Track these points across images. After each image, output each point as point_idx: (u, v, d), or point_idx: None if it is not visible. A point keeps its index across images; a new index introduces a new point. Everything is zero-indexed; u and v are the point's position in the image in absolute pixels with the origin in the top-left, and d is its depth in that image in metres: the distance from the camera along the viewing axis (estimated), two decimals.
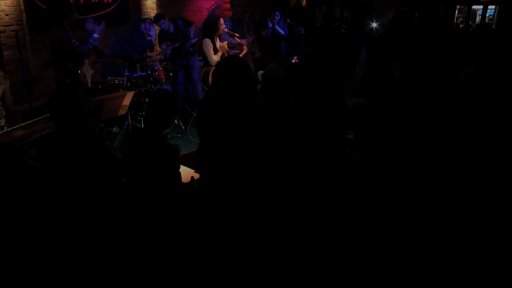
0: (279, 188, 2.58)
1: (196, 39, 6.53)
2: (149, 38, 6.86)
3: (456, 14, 14.69)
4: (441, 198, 3.03)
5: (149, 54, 7.53)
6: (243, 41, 6.27)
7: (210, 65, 5.62)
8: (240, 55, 6.05)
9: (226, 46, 5.76)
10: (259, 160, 2.47)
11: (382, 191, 2.97)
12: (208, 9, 6.28)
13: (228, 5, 8.92)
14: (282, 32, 7.37)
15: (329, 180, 2.75)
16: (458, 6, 14.62)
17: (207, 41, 5.57)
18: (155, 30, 7.01)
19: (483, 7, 14.19)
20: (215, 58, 5.55)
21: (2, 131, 3.85)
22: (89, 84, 5.17)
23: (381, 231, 2.83)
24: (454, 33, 10.61)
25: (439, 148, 3.28)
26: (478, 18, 14.79)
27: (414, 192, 3.01)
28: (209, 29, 5.63)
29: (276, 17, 7.25)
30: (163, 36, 6.87)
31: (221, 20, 5.80)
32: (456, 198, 3.04)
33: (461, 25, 13.83)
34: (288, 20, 7.92)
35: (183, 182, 3.02)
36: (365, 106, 3.31)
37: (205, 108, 2.63)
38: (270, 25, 7.16)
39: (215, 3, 6.44)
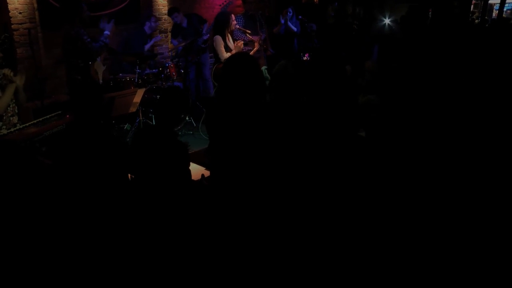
0: (289, 187, 2.55)
1: (208, 35, 6.52)
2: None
3: (471, 9, 14.45)
4: (452, 194, 2.98)
5: (160, 51, 7.54)
6: (256, 38, 6.23)
7: (222, 62, 5.59)
8: (251, 52, 6.01)
9: (241, 45, 5.72)
10: (269, 158, 2.44)
11: (393, 189, 2.92)
12: (220, 5, 6.26)
13: (239, 2, 8.89)
14: (295, 29, 7.32)
15: (341, 177, 2.72)
16: (473, 1, 14.38)
17: (218, 38, 5.54)
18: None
19: (501, 1, 13.92)
20: (226, 55, 5.52)
21: (15, 128, 3.87)
22: (100, 81, 5.19)
23: (394, 231, 2.79)
24: (469, 28, 10.44)
25: (450, 145, 3.23)
26: (495, 13, 14.52)
27: (425, 191, 2.96)
28: (220, 26, 5.59)
29: (288, 13, 7.20)
30: (176, 30, 6.86)
31: (233, 16, 5.76)
32: (465, 195, 2.99)
33: (476, 21, 13.59)
34: (300, 17, 7.87)
35: (193, 180, 3.01)
36: (376, 103, 3.26)
37: (215, 107, 2.61)
38: (283, 21, 7.11)
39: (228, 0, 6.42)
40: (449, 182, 3.03)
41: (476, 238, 2.79)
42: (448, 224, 2.87)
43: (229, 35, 5.73)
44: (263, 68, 6.11)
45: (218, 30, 5.60)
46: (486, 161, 3.25)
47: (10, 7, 5.51)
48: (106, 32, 5.02)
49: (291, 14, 7.23)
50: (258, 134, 2.42)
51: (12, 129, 3.86)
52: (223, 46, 5.54)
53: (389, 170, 3.00)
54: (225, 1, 6.25)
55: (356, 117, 2.99)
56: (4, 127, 3.91)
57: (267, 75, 6.04)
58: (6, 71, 3.90)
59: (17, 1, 5.58)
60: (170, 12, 6.79)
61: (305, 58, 7.60)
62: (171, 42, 7.05)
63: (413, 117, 3.25)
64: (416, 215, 2.87)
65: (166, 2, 7.58)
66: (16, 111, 4.11)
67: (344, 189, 2.72)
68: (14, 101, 4.05)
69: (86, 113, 2.78)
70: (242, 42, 5.79)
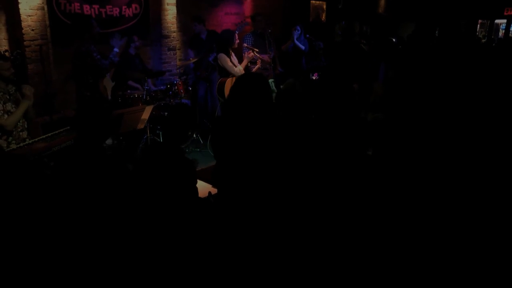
0: (296, 205, 2.55)
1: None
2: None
3: (478, 29, 14.51)
4: (459, 214, 2.96)
5: (168, 68, 7.62)
6: (264, 57, 6.29)
7: (225, 76, 5.66)
8: (254, 69, 6.07)
9: (252, 55, 5.80)
10: (276, 176, 2.44)
11: (399, 207, 2.90)
12: (236, 24, 6.35)
13: (248, 20, 9.01)
14: (302, 47, 7.36)
15: (348, 195, 2.70)
16: (480, 21, 14.45)
17: (223, 56, 5.63)
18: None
19: (507, 21, 13.97)
20: (237, 69, 5.60)
21: (24, 143, 3.91)
22: (109, 97, 5.24)
23: (401, 249, 2.76)
24: (476, 47, 10.46)
25: (457, 163, 3.22)
26: (501, 33, 14.56)
27: (432, 209, 2.94)
28: (223, 44, 5.70)
29: (296, 31, 7.26)
30: (195, 41, 6.92)
31: (236, 35, 5.85)
32: (473, 214, 2.98)
33: (483, 40, 13.64)
34: (308, 35, 7.94)
35: (200, 197, 3.01)
36: (384, 122, 3.26)
37: (222, 126, 2.62)
38: (295, 36, 7.19)
39: (243, 20, 6.51)
40: (456, 200, 3.02)
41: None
42: (458, 241, 2.84)
43: (232, 52, 5.82)
44: (270, 80, 6.17)
45: (221, 48, 5.70)
46: (493, 182, 3.23)
47: (23, 24, 5.61)
48: (116, 50, 5.10)
49: (299, 32, 7.28)
50: (266, 152, 2.42)
51: (21, 144, 3.90)
52: (229, 62, 5.61)
53: (396, 188, 2.99)
54: (241, 22, 6.37)
55: (364, 136, 2.99)
56: (14, 142, 3.94)
57: (274, 87, 6.08)
58: (27, 90, 3.96)
59: (30, 18, 5.68)
60: (193, 19, 6.86)
61: (314, 78, 7.63)
62: (188, 53, 7.10)
63: (421, 135, 3.24)
64: (423, 232, 2.85)
65: (174, 20, 7.69)
66: (26, 126, 4.15)
67: (351, 208, 2.71)
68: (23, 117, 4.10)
69: (92, 130, 2.78)
70: (252, 52, 5.87)
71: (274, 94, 3.28)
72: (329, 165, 2.64)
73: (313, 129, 2.74)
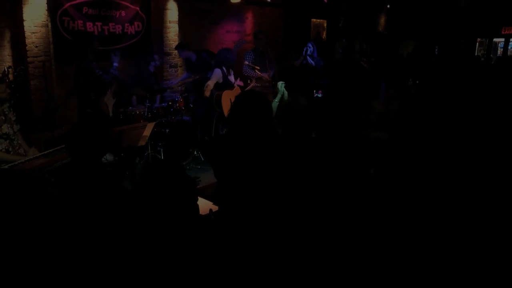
0: (298, 224, 2.53)
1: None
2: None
3: (477, 47, 14.64)
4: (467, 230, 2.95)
5: (169, 85, 7.66)
6: (264, 75, 6.33)
7: (221, 90, 5.85)
8: (248, 87, 6.16)
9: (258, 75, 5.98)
10: (279, 194, 2.43)
11: (402, 225, 2.90)
12: (234, 42, 6.45)
13: (249, 38, 9.09)
14: (313, 63, 7.39)
15: (350, 213, 2.70)
16: (479, 39, 14.59)
17: (218, 71, 5.85)
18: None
19: (505, 39, 14.12)
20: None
21: (26, 159, 3.91)
22: (110, 113, 5.26)
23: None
24: (474, 65, 10.56)
25: (461, 182, 3.22)
26: (499, 51, 14.70)
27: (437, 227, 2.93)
28: (221, 61, 5.85)
29: (308, 48, 7.30)
30: (187, 65, 7.01)
31: (234, 53, 5.99)
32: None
33: (482, 58, 13.76)
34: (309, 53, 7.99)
35: (201, 214, 2.99)
36: (386, 140, 3.26)
37: (222, 145, 2.62)
38: (309, 52, 7.26)
39: (242, 38, 6.58)
40: (459, 222, 3.01)
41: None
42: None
43: (231, 70, 5.94)
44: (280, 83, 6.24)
45: (218, 65, 5.86)
46: (497, 194, 3.24)
47: (27, 41, 5.67)
48: (115, 64, 5.15)
49: (311, 49, 7.32)
50: (267, 170, 2.42)
51: (22, 159, 3.89)
52: (216, 80, 5.84)
53: (399, 206, 2.99)
54: (239, 40, 6.46)
55: (367, 154, 3.00)
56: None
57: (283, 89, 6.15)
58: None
59: (34, 35, 5.74)
60: (176, 47, 6.96)
61: (318, 95, 7.64)
62: (184, 75, 7.19)
63: (424, 153, 3.25)
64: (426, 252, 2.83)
65: (176, 37, 7.77)
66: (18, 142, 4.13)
67: (352, 227, 2.70)
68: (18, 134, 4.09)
69: (86, 147, 2.75)
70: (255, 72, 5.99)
71: (277, 102, 3.28)
72: (331, 184, 2.63)
73: (314, 147, 2.74)
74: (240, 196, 2.49)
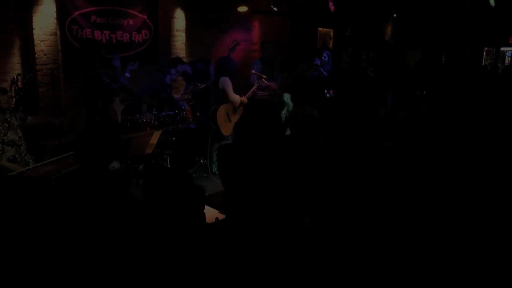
0: (307, 233, 2.52)
1: (213, 77, 6.65)
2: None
3: (484, 56, 14.60)
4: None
5: (176, 93, 7.70)
6: (271, 84, 6.35)
7: (221, 102, 5.84)
8: (249, 92, 6.15)
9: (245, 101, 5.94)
10: (288, 202, 2.43)
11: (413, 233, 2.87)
12: (228, 47, 6.44)
13: (256, 47, 9.13)
14: (325, 74, 7.39)
15: (360, 225, 2.68)
16: (486, 48, 14.55)
17: (226, 79, 5.78)
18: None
19: None
20: (235, 97, 5.70)
21: (34, 165, 3.93)
22: (119, 120, 5.28)
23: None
24: (481, 74, 10.52)
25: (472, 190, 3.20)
26: (507, 60, 14.64)
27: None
28: (222, 70, 5.84)
29: (323, 58, 7.30)
30: (185, 78, 7.04)
31: (232, 60, 5.99)
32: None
33: (489, 68, 13.71)
34: (318, 61, 8.00)
35: (207, 222, 2.99)
36: (394, 150, 3.25)
37: (231, 154, 2.62)
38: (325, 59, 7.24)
39: (234, 40, 6.58)
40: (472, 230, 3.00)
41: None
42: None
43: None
44: (286, 95, 6.25)
45: (220, 74, 5.85)
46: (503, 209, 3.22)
47: (36, 49, 5.73)
48: (127, 74, 5.18)
49: (326, 59, 7.32)
50: (276, 179, 2.41)
51: (30, 166, 3.92)
52: (231, 87, 5.72)
53: (407, 211, 2.97)
54: (233, 42, 6.45)
55: (374, 162, 2.99)
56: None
57: (289, 101, 6.10)
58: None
59: (43, 43, 5.80)
60: (170, 66, 6.90)
61: (329, 95, 7.60)
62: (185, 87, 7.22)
63: (432, 162, 3.24)
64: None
65: (184, 46, 7.81)
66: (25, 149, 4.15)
67: (362, 236, 2.68)
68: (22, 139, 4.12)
69: (94, 154, 2.76)
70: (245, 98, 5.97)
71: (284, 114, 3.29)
72: (341, 192, 2.62)
73: (321, 155, 2.73)
74: (248, 205, 2.49)
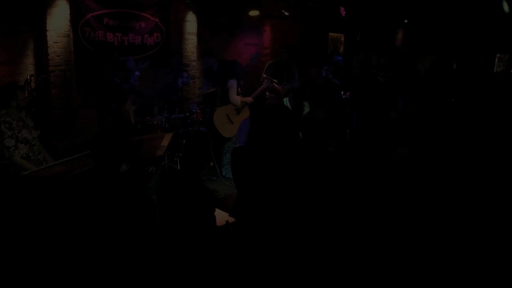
0: (322, 238, 2.52)
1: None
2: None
3: (496, 63, 14.47)
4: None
5: (187, 96, 7.73)
6: (280, 87, 6.36)
7: (220, 106, 5.79)
8: (259, 89, 6.13)
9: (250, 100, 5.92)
10: (301, 205, 2.42)
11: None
12: (251, 55, 6.46)
13: (267, 51, 9.15)
14: (337, 82, 7.39)
15: (366, 232, 2.67)
16: (498, 55, 14.42)
17: (233, 81, 5.76)
18: None
19: None
20: (236, 98, 5.68)
21: (46, 165, 3.96)
22: (132, 121, 5.32)
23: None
24: (493, 80, 10.44)
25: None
26: None
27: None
28: (234, 74, 5.83)
29: (339, 63, 7.32)
30: (208, 73, 7.06)
31: (240, 65, 6.01)
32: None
33: (501, 74, 13.57)
34: (326, 67, 7.97)
35: (217, 226, 2.98)
36: (408, 156, 3.23)
37: (246, 158, 2.62)
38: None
39: (258, 52, 6.61)
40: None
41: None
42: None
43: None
44: (285, 99, 6.25)
45: (231, 76, 5.82)
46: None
47: (49, 50, 5.80)
48: (137, 73, 5.22)
49: (341, 63, 7.32)
50: (291, 182, 2.41)
51: (42, 166, 3.94)
52: (236, 90, 5.72)
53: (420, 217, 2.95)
54: (255, 55, 6.51)
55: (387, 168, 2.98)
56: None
57: (288, 104, 6.09)
58: None
59: (57, 45, 5.86)
60: (202, 54, 7.00)
61: (346, 96, 7.56)
62: (204, 84, 7.23)
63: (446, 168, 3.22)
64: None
65: (195, 49, 7.85)
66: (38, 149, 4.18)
67: (376, 243, 2.67)
68: (37, 140, 4.15)
69: (109, 155, 2.78)
70: (251, 99, 5.96)
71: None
72: (354, 197, 2.61)
73: (334, 161, 2.73)
74: (262, 208, 2.48)
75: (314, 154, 2.80)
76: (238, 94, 5.76)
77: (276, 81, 6.26)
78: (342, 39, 11.17)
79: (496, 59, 14.45)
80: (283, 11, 8.62)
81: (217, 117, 5.72)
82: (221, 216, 3.28)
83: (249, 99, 5.92)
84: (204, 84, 7.16)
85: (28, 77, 5.70)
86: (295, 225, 2.46)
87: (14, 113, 3.93)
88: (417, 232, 2.90)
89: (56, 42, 5.85)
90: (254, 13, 8.26)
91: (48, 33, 5.74)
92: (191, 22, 7.72)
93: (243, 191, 2.65)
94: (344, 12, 9.71)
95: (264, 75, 6.28)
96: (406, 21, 12.48)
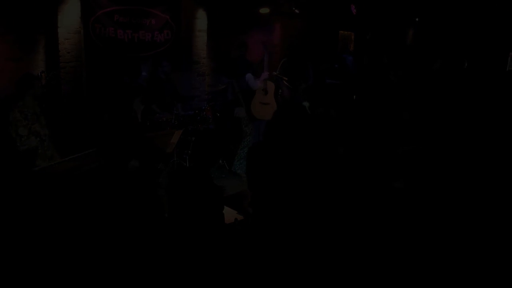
0: (334, 238, 2.50)
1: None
2: None
3: (508, 61, 14.28)
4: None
5: (197, 93, 7.73)
6: (284, 86, 6.39)
7: (246, 103, 6.14)
8: (262, 77, 6.26)
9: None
10: (316, 204, 2.41)
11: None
12: (263, 45, 6.62)
13: (277, 49, 9.12)
14: (335, 82, 7.41)
15: (380, 228, 2.65)
16: (511, 53, 14.23)
17: (249, 75, 6.25)
18: None
19: None
20: (257, 82, 6.12)
21: (55, 162, 3.98)
22: (139, 119, 5.33)
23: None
24: (506, 78, 10.32)
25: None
26: None
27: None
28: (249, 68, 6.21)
29: (348, 62, 7.32)
30: (230, 66, 7.14)
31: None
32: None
33: None
34: (336, 66, 7.95)
35: (226, 223, 2.98)
36: (416, 154, 3.20)
37: (261, 157, 2.61)
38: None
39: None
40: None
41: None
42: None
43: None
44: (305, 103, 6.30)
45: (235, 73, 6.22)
46: None
47: (60, 47, 5.82)
48: (144, 74, 5.23)
49: (350, 62, 7.35)
50: (306, 182, 2.40)
51: (51, 163, 3.97)
52: (253, 80, 6.24)
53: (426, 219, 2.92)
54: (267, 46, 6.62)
55: (393, 168, 2.95)
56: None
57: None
58: None
59: (67, 41, 5.89)
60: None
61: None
62: (221, 79, 7.27)
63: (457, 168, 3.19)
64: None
65: (205, 46, 7.83)
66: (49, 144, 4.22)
67: (383, 240, 2.65)
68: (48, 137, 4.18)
69: (119, 152, 2.80)
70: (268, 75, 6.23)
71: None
72: (359, 198, 2.59)
73: (343, 163, 2.71)
74: (276, 207, 2.48)
75: (324, 155, 2.78)
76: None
77: (286, 78, 6.25)
78: (352, 37, 11.10)
79: (509, 58, 14.27)
80: (293, 8, 8.58)
81: (256, 111, 6.00)
82: (229, 214, 3.28)
83: (264, 75, 6.15)
84: (221, 80, 7.16)
85: (39, 73, 5.71)
86: (310, 224, 2.45)
87: (30, 103, 3.99)
88: (417, 232, 2.88)
89: (67, 39, 5.88)
90: (264, 10, 8.23)
91: (59, 30, 5.77)
92: (201, 19, 7.71)
93: (258, 191, 2.63)
94: (355, 10, 9.65)
95: (275, 73, 6.28)
96: (417, 19, 12.37)
